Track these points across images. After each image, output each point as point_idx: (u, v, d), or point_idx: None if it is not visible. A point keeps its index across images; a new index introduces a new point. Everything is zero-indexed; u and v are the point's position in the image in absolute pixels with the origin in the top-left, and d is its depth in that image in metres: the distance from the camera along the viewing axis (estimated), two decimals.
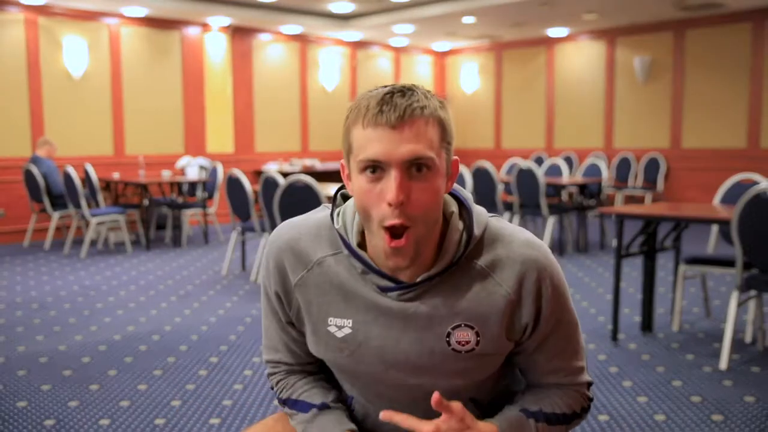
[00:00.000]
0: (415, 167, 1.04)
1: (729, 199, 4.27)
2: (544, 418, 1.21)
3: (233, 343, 3.96)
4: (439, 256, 1.12)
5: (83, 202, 6.84)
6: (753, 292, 3.68)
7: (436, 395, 1.08)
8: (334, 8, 9.35)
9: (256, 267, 5.74)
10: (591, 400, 1.29)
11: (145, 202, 7.38)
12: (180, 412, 2.95)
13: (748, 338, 3.91)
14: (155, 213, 8.15)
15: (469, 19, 9.36)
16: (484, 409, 1.28)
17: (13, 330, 4.26)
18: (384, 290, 1.14)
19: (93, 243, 7.63)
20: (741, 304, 3.55)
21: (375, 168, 1.04)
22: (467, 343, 1.13)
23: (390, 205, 1.03)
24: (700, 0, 8.26)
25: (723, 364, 3.46)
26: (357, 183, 1.07)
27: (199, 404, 3.04)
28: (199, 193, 7.89)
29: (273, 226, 5.13)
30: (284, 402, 1.31)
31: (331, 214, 1.19)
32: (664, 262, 5.92)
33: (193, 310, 4.76)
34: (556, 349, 1.21)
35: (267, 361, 1.34)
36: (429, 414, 1.16)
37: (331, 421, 1.23)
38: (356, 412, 1.30)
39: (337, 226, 1.16)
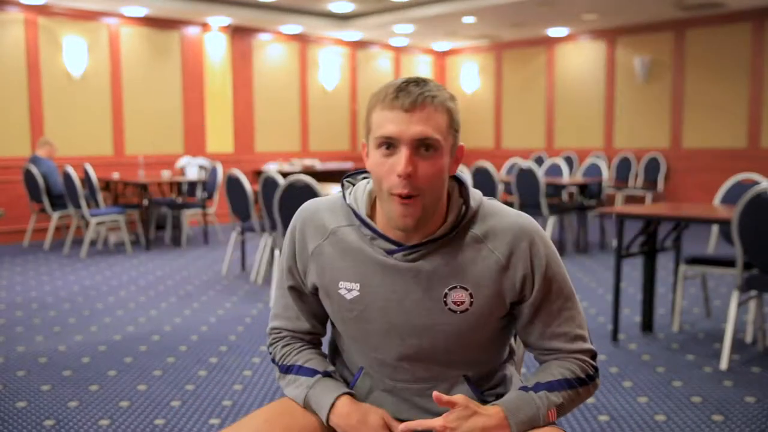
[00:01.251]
0: (423, 147, 1.20)
1: (729, 199, 4.27)
2: (544, 387, 1.29)
3: (233, 344, 3.96)
4: (442, 226, 1.28)
5: (83, 202, 6.84)
6: (753, 293, 3.67)
7: (435, 395, 1.20)
8: (334, 8, 9.35)
9: (256, 267, 5.74)
10: (596, 369, 1.36)
11: (145, 202, 7.37)
12: (180, 413, 2.94)
13: (748, 338, 3.90)
14: (155, 213, 8.14)
15: (469, 19, 9.35)
16: (476, 390, 1.37)
17: (13, 330, 4.26)
18: (390, 253, 1.28)
19: (93, 243, 7.63)
20: (741, 305, 3.55)
21: (389, 144, 1.21)
22: (462, 303, 1.27)
23: (399, 176, 1.19)
24: (700, 0, 8.26)
25: (723, 364, 3.46)
26: (373, 157, 1.24)
27: (199, 404, 3.04)
28: (199, 193, 7.88)
29: (273, 226, 5.13)
30: (288, 368, 1.42)
31: (343, 195, 1.36)
32: (664, 262, 5.92)
33: (192, 311, 4.75)
34: (554, 313, 1.32)
35: (272, 329, 1.48)
36: (426, 390, 1.33)
37: (333, 385, 1.36)
38: (362, 387, 1.41)
39: (348, 201, 1.33)
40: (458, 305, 1.27)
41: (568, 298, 1.33)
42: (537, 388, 1.29)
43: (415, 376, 1.34)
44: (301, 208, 1.41)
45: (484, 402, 1.35)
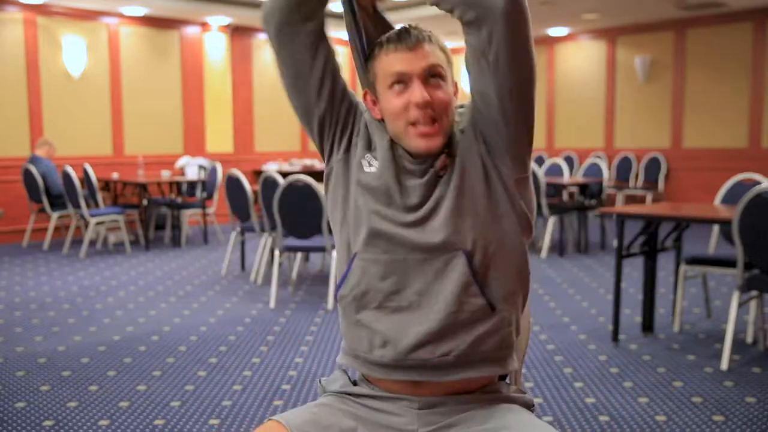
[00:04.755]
0: (432, 77, 1.31)
1: (730, 199, 4.26)
2: None
3: (232, 344, 3.95)
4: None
5: (82, 202, 6.83)
6: (754, 293, 3.67)
7: None
8: (334, 7, 9.32)
9: (256, 267, 5.73)
10: None
11: (145, 202, 7.36)
12: (179, 413, 2.93)
13: (749, 339, 3.90)
14: (154, 213, 8.14)
15: None
16: (472, 273, 1.32)
17: (12, 330, 4.25)
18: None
19: (92, 243, 7.62)
20: (742, 305, 3.54)
21: (400, 82, 1.31)
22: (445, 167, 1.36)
23: (418, 105, 1.29)
24: (700, 0, 8.26)
25: (724, 364, 3.45)
26: (386, 100, 1.33)
27: (199, 405, 3.03)
28: (199, 193, 7.87)
29: (273, 226, 5.12)
30: None
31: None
32: (664, 262, 5.91)
33: (192, 311, 4.74)
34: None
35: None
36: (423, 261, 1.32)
37: None
38: (353, 276, 1.37)
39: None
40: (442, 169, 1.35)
41: None
42: None
43: (414, 243, 1.33)
44: None
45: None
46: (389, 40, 1.33)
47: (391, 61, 1.32)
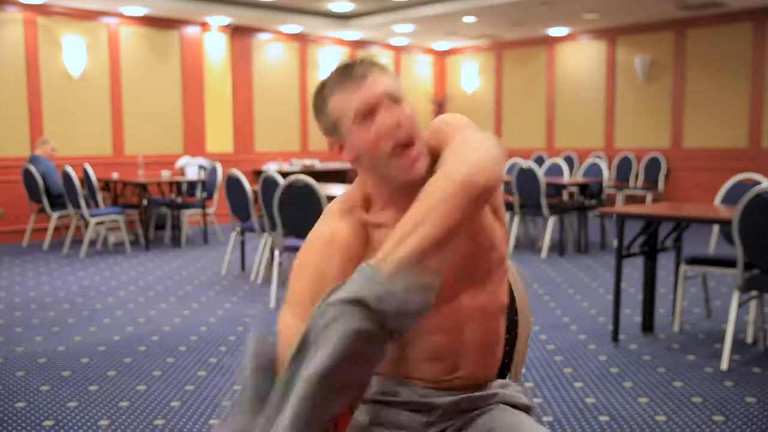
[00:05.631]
0: (390, 102, 1.25)
1: (730, 199, 4.26)
2: None
3: (232, 344, 3.95)
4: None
5: (82, 202, 6.82)
6: (754, 293, 3.67)
7: None
8: (334, 8, 9.34)
9: (256, 267, 5.73)
10: None
11: (145, 202, 7.36)
12: (179, 413, 2.93)
13: (749, 339, 3.90)
14: (154, 213, 8.13)
15: (469, 19, 9.35)
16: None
17: (12, 330, 4.25)
18: None
19: (92, 243, 7.62)
20: (742, 305, 3.54)
21: (364, 116, 1.24)
22: None
23: (389, 131, 1.23)
24: None
25: (724, 364, 3.45)
26: (357, 137, 1.25)
27: (198, 405, 3.03)
28: (199, 193, 7.87)
29: (273, 226, 5.12)
30: None
31: None
32: (664, 262, 5.91)
33: (192, 311, 4.74)
34: None
35: None
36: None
37: None
38: None
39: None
40: None
41: None
42: None
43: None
44: None
45: None
46: (335, 84, 1.27)
47: (346, 101, 1.25)
